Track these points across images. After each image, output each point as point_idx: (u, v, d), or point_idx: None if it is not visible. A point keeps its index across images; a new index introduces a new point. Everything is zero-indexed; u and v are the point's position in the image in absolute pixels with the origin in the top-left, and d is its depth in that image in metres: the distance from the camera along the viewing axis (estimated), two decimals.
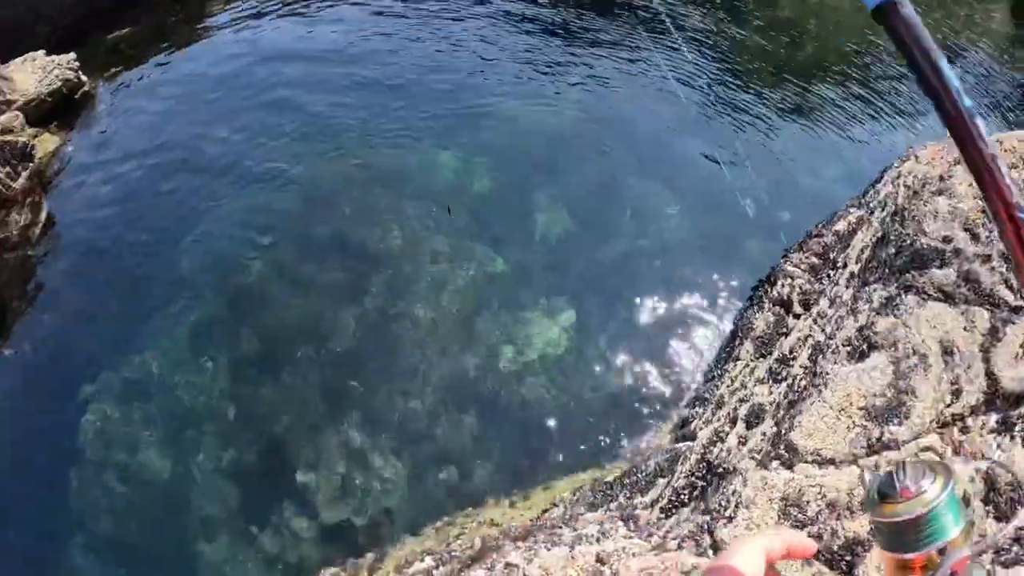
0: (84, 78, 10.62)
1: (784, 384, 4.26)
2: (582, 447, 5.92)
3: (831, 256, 4.93)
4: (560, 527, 4.34)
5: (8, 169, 9.03)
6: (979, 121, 0.60)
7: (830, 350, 3.81)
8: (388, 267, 7.26)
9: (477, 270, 7.15)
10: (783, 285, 5.21)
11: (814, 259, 5.02)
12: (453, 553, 4.63)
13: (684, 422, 5.69)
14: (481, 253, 7.30)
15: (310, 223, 7.87)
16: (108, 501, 5.90)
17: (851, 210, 5.43)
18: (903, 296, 3.75)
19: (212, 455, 6.06)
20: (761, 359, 5.09)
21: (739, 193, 7.54)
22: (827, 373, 3.52)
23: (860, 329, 3.63)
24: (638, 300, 6.84)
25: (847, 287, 4.20)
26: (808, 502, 3.07)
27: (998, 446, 2.97)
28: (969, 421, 3.15)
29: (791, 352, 4.56)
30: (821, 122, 9.22)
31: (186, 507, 5.81)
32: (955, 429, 3.16)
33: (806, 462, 3.30)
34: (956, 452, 3.06)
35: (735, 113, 9.26)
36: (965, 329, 3.43)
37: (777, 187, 7.55)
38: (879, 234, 4.62)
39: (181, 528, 5.71)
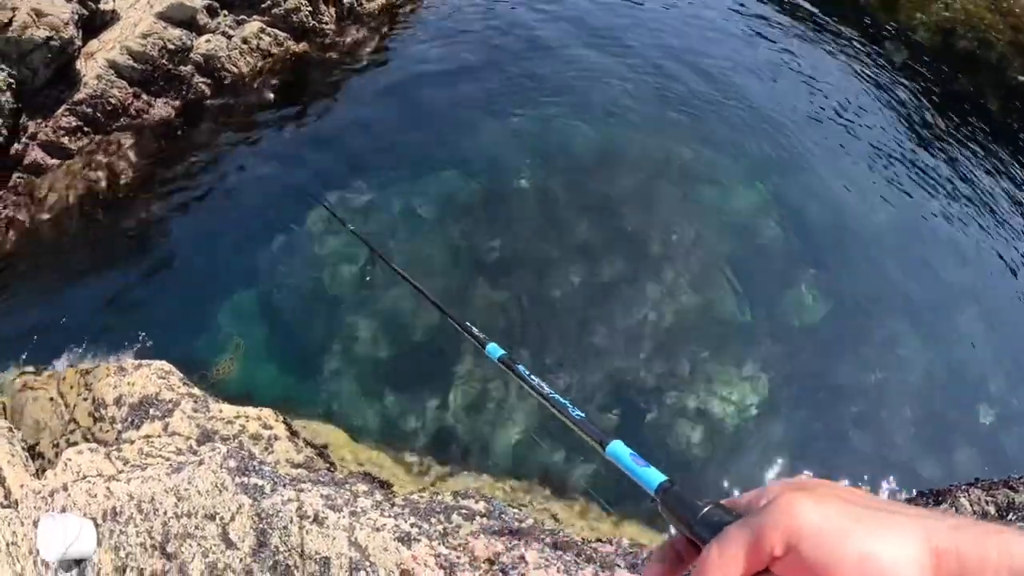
0: None
1: None
2: None
3: (1010, 517, 4.43)
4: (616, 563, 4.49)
5: None
6: None
7: None
8: (638, 251, 7.58)
9: (712, 306, 7.21)
10: (945, 511, 4.80)
11: (992, 508, 4.54)
12: (504, 515, 4.97)
13: None
14: (726, 295, 7.31)
15: (592, 176, 8.37)
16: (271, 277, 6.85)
17: None
18: None
19: (395, 306, 6.83)
20: None
21: (986, 398, 6.77)
22: None
23: None
24: (822, 430, 6.54)
25: None
26: None
27: None
28: None
29: None
30: None
31: (348, 324, 6.70)
32: None
33: None
34: None
35: None
36: None
37: None
38: None
39: (333, 355, 6.55)
